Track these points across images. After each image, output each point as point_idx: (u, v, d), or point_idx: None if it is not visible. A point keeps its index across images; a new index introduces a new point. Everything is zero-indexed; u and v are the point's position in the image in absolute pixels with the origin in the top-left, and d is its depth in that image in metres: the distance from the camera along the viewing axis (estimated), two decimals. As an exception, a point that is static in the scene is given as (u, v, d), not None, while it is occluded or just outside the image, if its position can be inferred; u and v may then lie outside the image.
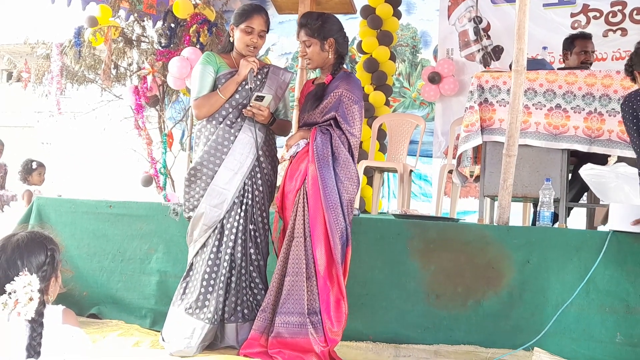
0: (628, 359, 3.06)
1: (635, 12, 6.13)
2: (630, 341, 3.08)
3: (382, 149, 6.84)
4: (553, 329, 3.19)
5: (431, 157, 7.18)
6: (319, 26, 3.36)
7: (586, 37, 4.94)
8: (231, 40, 3.45)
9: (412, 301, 3.49)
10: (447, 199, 6.27)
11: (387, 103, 7.08)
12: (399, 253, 3.56)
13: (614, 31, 6.22)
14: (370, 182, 6.65)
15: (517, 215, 5.62)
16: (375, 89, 6.99)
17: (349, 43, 7.76)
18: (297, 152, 3.34)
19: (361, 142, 6.94)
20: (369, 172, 6.54)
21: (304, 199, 3.24)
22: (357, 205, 6.21)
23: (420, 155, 6.76)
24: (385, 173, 7.01)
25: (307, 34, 3.37)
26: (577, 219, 5.12)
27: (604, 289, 3.14)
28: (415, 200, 7.52)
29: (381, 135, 6.75)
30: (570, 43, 4.92)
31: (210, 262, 3.29)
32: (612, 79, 3.78)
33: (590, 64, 4.82)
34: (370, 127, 6.69)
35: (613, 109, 3.75)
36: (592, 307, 3.16)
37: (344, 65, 3.47)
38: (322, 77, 3.45)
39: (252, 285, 3.36)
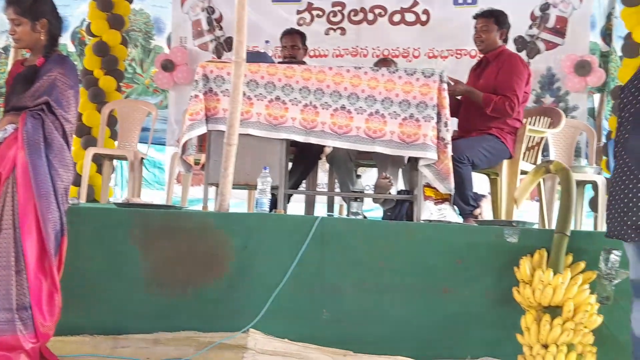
0: (333, 333, 3.33)
1: (352, 13, 6.65)
2: (335, 317, 3.35)
3: (113, 135, 6.64)
4: (268, 311, 3.34)
5: (165, 145, 7.13)
6: (30, 5, 3.16)
7: (290, 33, 5.25)
8: None
9: (132, 291, 3.45)
10: (180, 187, 6.28)
11: (118, 89, 6.89)
12: (120, 243, 3.49)
13: (335, 30, 6.69)
14: (99, 170, 6.42)
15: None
16: (105, 74, 6.77)
17: (79, 24, 7.41)
18: (5, 139, 3.13)
19: (90, 129, 6.68)
20: (99, 160, 6.31)
21: (12, 188, 3.04)
22: (84, 193, 5.97)
23: (153, 143, 6.69)
24: (117, 160, 6.81)
25: (16, 12, 3.16)
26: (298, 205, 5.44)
27: (313, 270, 3.37)
28: (149, 188, 7.42)
29: (112, 121, 6.55)
30: (280, 38, 5.21)
31: None
32: (325, 74, 4.04)
33: (295, 57, 5.10)
34: (100, 113, 6.46)
35: (326, 102, 4.01)
36: (302, 287, 3.37)
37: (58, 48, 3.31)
38: (32, 58, 3.25)
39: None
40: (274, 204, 4.12)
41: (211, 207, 4.03)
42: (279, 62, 4.68)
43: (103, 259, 3.49)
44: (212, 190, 4.15)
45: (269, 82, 4.06)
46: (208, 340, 3.27)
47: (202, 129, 4.07)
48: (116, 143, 6.54)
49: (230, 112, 3.67)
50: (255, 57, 4.19)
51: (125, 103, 6.72)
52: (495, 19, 4.54)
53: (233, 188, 3.79)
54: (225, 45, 6.88)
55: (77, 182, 6.20)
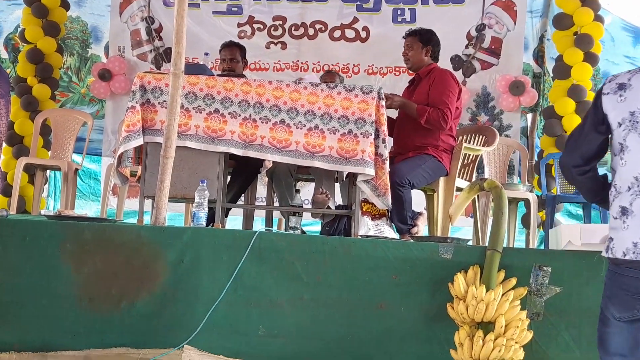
0: (268, 349, 3.31)
1: (293, 27, 6.68)
2: (271, 333, 3.32)
3: (46, 145, 6.48)
4: (205, 327, 3.29)
5: (100, 155, 6.98)
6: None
7: (229, 46, 5.24)
8: None
9: (63, 306, 3.34)
10: (115, 198, 6.16)
11: (53, 97, 6.73)
12: (50, 256, 3.39)
13: (275, 44, 6.70)
14: (31, 181, 6.24)
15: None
16: (39, 82, 6.60)
17: (13, 30, 7.19)
18: None
19: (22, 137, 6.50)
20: (31, 170, 6.14)
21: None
22: (15, 204, 5.79)
23: (88, 154, 6.56)
24: (50, 171, 6.63)
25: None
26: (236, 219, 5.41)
27: (250, 285, 3.34)
28: (83, 200, 7.23)
29: (45, 130, 6.38)
30: (220, 51, 5.19)
31: None
32: (265, 88, 4.04)
33: (234, 71, 5.08)
34: (33, 122, 6.29)
35: (265, 116, 4.01)
36: (239, 302, 3.34)
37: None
38: (-39, 65, 3.14)
39: None
40: (211, 218, 4.08)
41: (147, 220, 3.96)
42: (218, 75, 4.65)
43: (32, 273, 3.38)
44: (148, 203, 4.08)
45: (207, 95, 4.03)
46: (141, 357, 3.21)
47: (138, 141, 4.00)
48: (49, 153, 6.38)
49: (168, 124, 3.62)
50: (194, 69, 4.16)
51: (60, 112, 6.56)
52: (420, 37, 4.64)
53: (170, 201, 3.74)
54: (164, 56, 6.81)
55: (7, 192, 6.03)
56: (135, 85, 4.04)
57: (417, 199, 4.90)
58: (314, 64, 6.62)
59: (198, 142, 4.00)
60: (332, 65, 6.54)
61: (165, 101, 3.94)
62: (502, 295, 3.08)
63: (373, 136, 3.93)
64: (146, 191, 3.99)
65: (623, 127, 2.41)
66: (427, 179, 4.44)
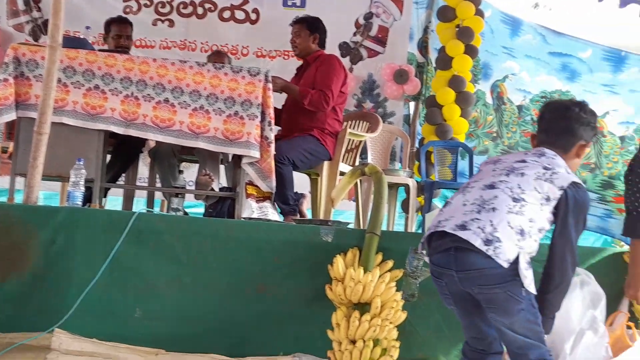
0: (145, 332, 3.24)
1: (182, 5, 6.53)
2: (148, 315, 3.27)
3: None
4: (77, 310, 3.19)
5: (-30, 130, 6.57)
6: None
7: (122, 22, 5.08)
8: None
9: None
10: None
11: None
12: None
13: (163, 21, 6.52)
14: None
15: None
16: None
17: None
18: None
19: None
20: None
21: None
22: None
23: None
24: None
25: None
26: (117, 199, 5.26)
27: (127, 267, 3.26)
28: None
29: None
30: (107, 26, 5.03)
31: None
32: (149, 65, 3.93)
33: (128, 48, 4.95)
34: None
35: (149, 94, 3.90)
36: (115, 285, 3.25)
37: None
38: None
39: None
40: (88, 198, 3.94)
41: (19, 199, 3.78)
42: (111, 52, 4.48)
43: None
44: (20, 181, 3.89)
45: (87, 70, 3.88)
46: (7, 341, 3.07)
47: (11, 115, 3.81)
48: None
49: (43, 99, 3.47)
50: (73, 42, 4.00)
51: None
52: (307, 24, 4.69)
53: (44, 179, 3.60)
54: (43, 28, 6.47)
55: None
56: (9, 57, 3.84)
57: (303, 183, 4.96)
58: (202, 43, 6.50)
59: (76, 118, 3.85)
60: (221, 46, 6.45)
61: (41, 75, 3.75)
62: (379, 277, 3.16)
63: (259, 119, 3.93)
64: (18, 168, 3.81)
65: None
66: (309, 160, 4.47)
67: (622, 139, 6.28)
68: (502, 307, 2.50)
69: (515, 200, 2.52)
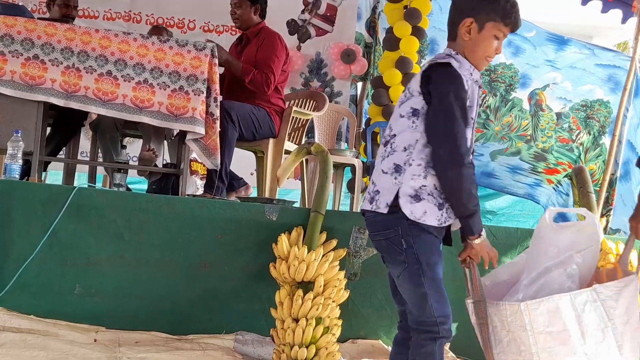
0: (84, 308, 3.20)
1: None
2: (88, 292, 3.22)
3: None
4: (14, 285, 3.12)
5: None
6: None
7: None
8: None
9: None
10: None
11: None
12: None
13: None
14: None
15: None
16: None
17: None
18: None
19: None
20: None
21: None
22: None
23: None
24: None
25: None
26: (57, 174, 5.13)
27: (66, 242, 3.20)
28: None
29: None
30: None
31: None
32: (91, 36, 3.81)
33: (73, 18, 4.80)
34: None
35: (90, 66, 3.80)
36: (54, 260, 3.19)
37: None
38: None
39: None
40: (27, 172, 3.83)
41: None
42: (57, 20, 4.33)
43: None
44: (-46, 152, 3.76)
45: (26, 39, 3.75)
46: (-61, 317, 2.97)
47: (-56, 84, 3.65)
48: None
49: (-22, 68, 3.33)
50: (10, 9, 3.86)
51: None
52: None
53: (-21, 152, 3.47)
54: (-21, -7, 6.21)
55: None
56: (-58, 22, 3.67)
57: (250, 163, 4.92)
58: (147, 15, 6.34)
59: (14, 88, 3.72)
60: (167, 19, 6.32)
61: (-18, 45, 3.62)
62: (323, 256, 3.18)
63: (205, 94, 3.87)
64: (-49, 139, 3.67)
65: None
66: (256, 129, 4.38)
67: (558, 115, 6.41)
68: (388, 258, 2.45)
69: (385, 144, 2.46)
